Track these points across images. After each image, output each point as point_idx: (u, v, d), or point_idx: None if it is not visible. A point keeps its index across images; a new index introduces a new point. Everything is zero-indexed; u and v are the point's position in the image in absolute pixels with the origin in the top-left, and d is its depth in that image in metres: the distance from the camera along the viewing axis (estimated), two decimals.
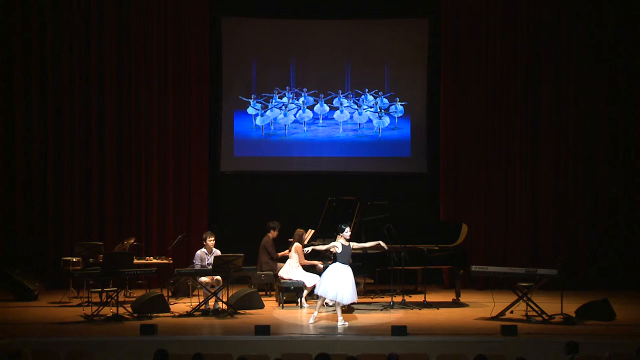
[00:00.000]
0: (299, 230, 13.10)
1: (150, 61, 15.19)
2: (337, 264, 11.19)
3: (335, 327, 10.99)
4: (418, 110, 15.94)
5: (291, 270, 12.77)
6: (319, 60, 15.88)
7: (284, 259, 13.39)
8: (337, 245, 11.20)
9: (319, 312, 11.37)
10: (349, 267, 11.20)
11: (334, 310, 11.38)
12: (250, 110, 15.75)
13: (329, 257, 12.65)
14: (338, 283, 11.06)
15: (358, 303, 12.02)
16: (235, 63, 15.77)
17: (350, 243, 11.30)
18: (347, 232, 11.28)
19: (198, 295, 12.76)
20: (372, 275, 13.82)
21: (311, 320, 11.16)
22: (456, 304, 13.14)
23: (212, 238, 12.37)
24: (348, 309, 11.98)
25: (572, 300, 12.17)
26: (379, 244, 11.66)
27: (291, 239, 13.47)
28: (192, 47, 15.34)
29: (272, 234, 13.63)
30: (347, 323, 11.08)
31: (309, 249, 11.98)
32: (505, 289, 12.26)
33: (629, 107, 15.44)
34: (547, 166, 15.42)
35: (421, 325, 11.16)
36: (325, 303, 12.60)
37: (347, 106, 15.84)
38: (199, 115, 15.41)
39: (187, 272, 12.31)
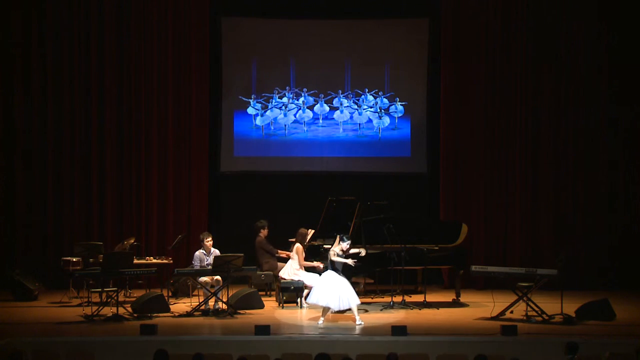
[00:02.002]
0: (303, 230, 13.06)
1: (150, 61, 15.18)
2: (330, 272, 11.20)
3: (336, 327, 11.00)
4: (418, 110, 15.93)
5: (292, 272, 12.75)
6: (319, 60, 15.86)
7: (285, 258, 13.40)
8: (338, 252, 11.23)
9: (324, 317, 11.32)
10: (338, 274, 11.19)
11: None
12: (250, 110, 15.74)
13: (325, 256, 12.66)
14: (330, 290, 11.05)
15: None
16: (235, 63, 15.76)
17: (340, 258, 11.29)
18: (346, 244, 11.27)
19: (198, 295, 12.76)
20: (372, 275, 13.82)
21: (320, 323, 11.14)
22: (456, 304, 13.14)
23: (209, 239, 12.37)
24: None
25: (572, 300, 12.15)
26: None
27: (292, 239, 13.48)
28: (192, 47, 15.34)
29: (263, 232, 13.62)
30: (362, 323, 11.07)
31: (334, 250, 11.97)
32: (505, 289, 12.26)
33: (630, 107, 15.43)
34: (547, 166, 15.41)
35: (421, 325, 11.16)
36: None
37: (347, 106, 15.83)
38: (199, 115, 15.40)
39: (187, 272, 12.32)
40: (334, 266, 11.20)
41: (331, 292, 11.06)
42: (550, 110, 15.41)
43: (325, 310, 11.20)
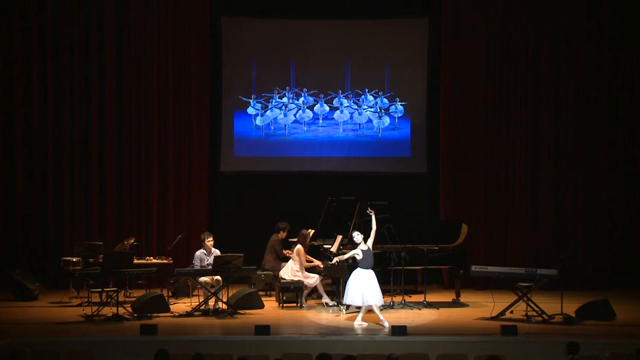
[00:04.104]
0: (304, 231, 13.05)
1: (150, 61, 15.18)
2: (359, 269, 11.21)
3: (337, 327, 11.03)
4: (418, 110, 15.93)
5: (292, 272, 12.72)
6: (319, 60, 15.86)
7: (287, 258, 13.40)
8: (358, 252, 11.22)
9: (363, 314, 11.31)
10: (372, 270, 11.21)
11: (357, 310, 11.38)
12: (250, 110, 15.74)
13: (329, 257, 12.64)
14: (362, 288, 11.07)
15: None
16: (235, 63, 15.75)
17: (369, 246, 11.29)
18: (355, 237, 11.29)
19: (198, 295, 12.76)
20: None
21: (356, 324, 11.15)
22: (456, 304, 13.14)
23: (210, 239, 12.37)
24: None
25: (572, 300, 12.16)
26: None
27: (293, 239, 13.47)
28: (192, 47, 15.33)
29: (281, 235, 13.61)
30: (365, 324, 11.10)
31: (335, 260, 11.90)
32: (505, 289, 12.26)
33: (630, 106, 15.43)
34: (547, 166, 15.41)
35: (421, 325, 11.18)
36: (325, 303, 12.66)
37: (347, 106, 15.83)
38: (199, 115, 15.40)
39: (187, 272, 12.32)
40: (362, 264, 11.19)
41: (357, 291, 11.08)
42: (550, 110, 15.41)
43: (366, 308, 11.21)
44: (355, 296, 11.10)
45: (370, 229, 11.46)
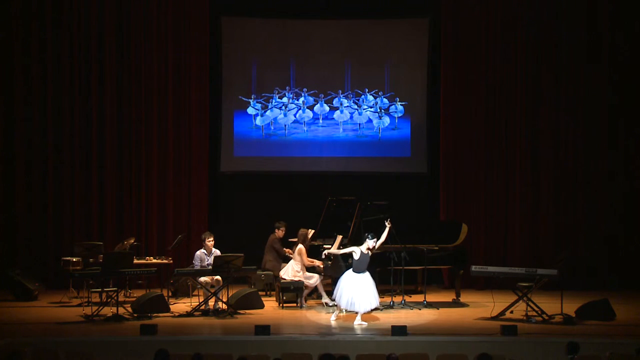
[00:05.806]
0: (303, 230, 13.05)
1: (150, 61, 15.18)
2: (351, 272, 11.22)
3: (337, 327, 11.03)
4: (418, 110, 15.93)
5: (293, 272, 12.71)
6: (319, 60, 15.86)
7: (287, 257, 13.40)
8: (356, 251, 11.21)
9: (339, 313, 11.35)
10: (368, 274, 11.22)
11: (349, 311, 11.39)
12: (250, 110, 15.75)
13: (328, 257, 12.65)
14: (352, 292, 11.08)
15: None
16: (235, 63, 15.76)
17: (369, 252, 11.29)
18: (372, 242, 11.25)
19: (198, 295, 12.76)
20: (372, 276, 13.79)
21: (356, 324, 11.15)
22: (456, 304, 13.14)
23: (211, 239, 12.37)
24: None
25: (572, 300, 12.16)
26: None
27: (293, 239, 13.46)
28: (192, 47, 15.34)
29: (278, 233, 13.61)
30: (365, 323, 11.10)
31: (325, 252, 11.92)
32: (505, 289, 12.27)
33: (629, 104, 15.43)
34: (547, 166, 15.41)
35: (421, 325, 11.18)
36: (325, 303, 12.66)
37: (347, 106, 15.83)
38: (199, 115, 15.40)
39: (187, 272, 12.32)
40: (356, 267, 11.19)
41: (345, 293, 11.11)
42: (550, 110, 15.41)
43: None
44: (342, 299, 11.13)
45: (379, 236, 11.46)
